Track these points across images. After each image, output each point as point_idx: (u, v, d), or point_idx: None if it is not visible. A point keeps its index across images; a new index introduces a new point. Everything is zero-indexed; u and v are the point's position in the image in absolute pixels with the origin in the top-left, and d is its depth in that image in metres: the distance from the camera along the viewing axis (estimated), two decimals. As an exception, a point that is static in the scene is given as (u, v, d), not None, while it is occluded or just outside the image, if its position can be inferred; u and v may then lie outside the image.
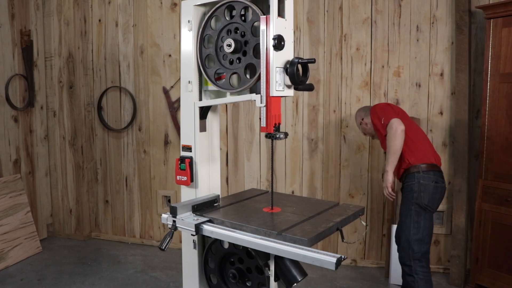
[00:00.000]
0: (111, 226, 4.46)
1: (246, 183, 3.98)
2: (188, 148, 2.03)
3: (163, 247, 1.80)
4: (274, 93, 1.70)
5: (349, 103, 3.67)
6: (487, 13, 3.04)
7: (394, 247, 3.42)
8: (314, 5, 3.69)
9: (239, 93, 1.87)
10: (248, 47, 1.81)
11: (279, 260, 1.65)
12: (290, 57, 1.76)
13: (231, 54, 1.85)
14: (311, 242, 1.56)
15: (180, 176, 2.01)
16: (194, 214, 1.86)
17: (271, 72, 1.68)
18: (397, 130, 2.61)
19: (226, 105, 3.91)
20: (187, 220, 1.79)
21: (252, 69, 1.82)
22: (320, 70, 3.71)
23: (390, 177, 2.69)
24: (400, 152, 2.65)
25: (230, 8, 1.86)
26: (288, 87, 1.77)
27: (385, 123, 2.71)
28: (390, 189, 2.71)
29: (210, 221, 1.81)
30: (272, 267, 1.67)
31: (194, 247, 1.95)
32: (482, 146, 3.14)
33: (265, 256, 1.68)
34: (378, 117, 2.78)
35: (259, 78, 1.75)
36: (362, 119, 3.02)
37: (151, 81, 4.15)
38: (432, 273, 2.68)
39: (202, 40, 1.94)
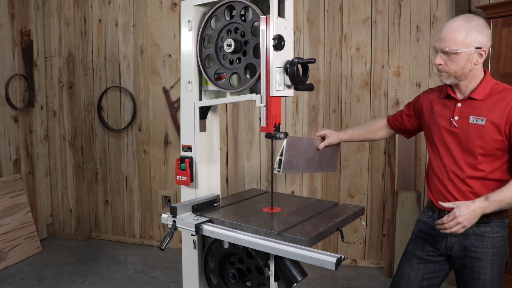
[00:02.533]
0: (111, 226, 4.46)
1: (246, 183, 3.98)
2: (188, 148, 2.03)
3: (163, 247, 1.80)
4: (274, 93, 1.70)
5: (349, 103, 3.67)
6: (487, 13, 3.04)
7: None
8: (314, 5, 3.69)
9: (239, 93, 1.87)
10: (248, 47, 1.81)
11: (279, 260, 1.64)
12: (290, 57, 1.75)
13: (231, 54, 1.84)
14: (311, 242, 1.56)
15: (180, 176, 2.01)
16: (194, 214, 1.86)
17: (271, 72, 1.68)
18: None
19: (226, 105, 3.90)
20: (187, 220, 1.79)
21: (252, 69, 1.82)
22: (320, 70, 3.70)
23: (478, 211, 1.68)
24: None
25: (230, 8, 1.86)
26: (288, 87, 1.77)
27: None
28: (461, 229, 1.69)
29: (210, 221, 1.81)
30: (272, 267, 1.67)
31: (194, 247, 1.95)
32: (482, 146, 3.13)
33: (265, 256, 1.67)
34: None
35: (259, 78, 1.75)
36: (481, 48, 1.76)
37: (151, 81, 4.15)
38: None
39: (202, 40, 1.94)
